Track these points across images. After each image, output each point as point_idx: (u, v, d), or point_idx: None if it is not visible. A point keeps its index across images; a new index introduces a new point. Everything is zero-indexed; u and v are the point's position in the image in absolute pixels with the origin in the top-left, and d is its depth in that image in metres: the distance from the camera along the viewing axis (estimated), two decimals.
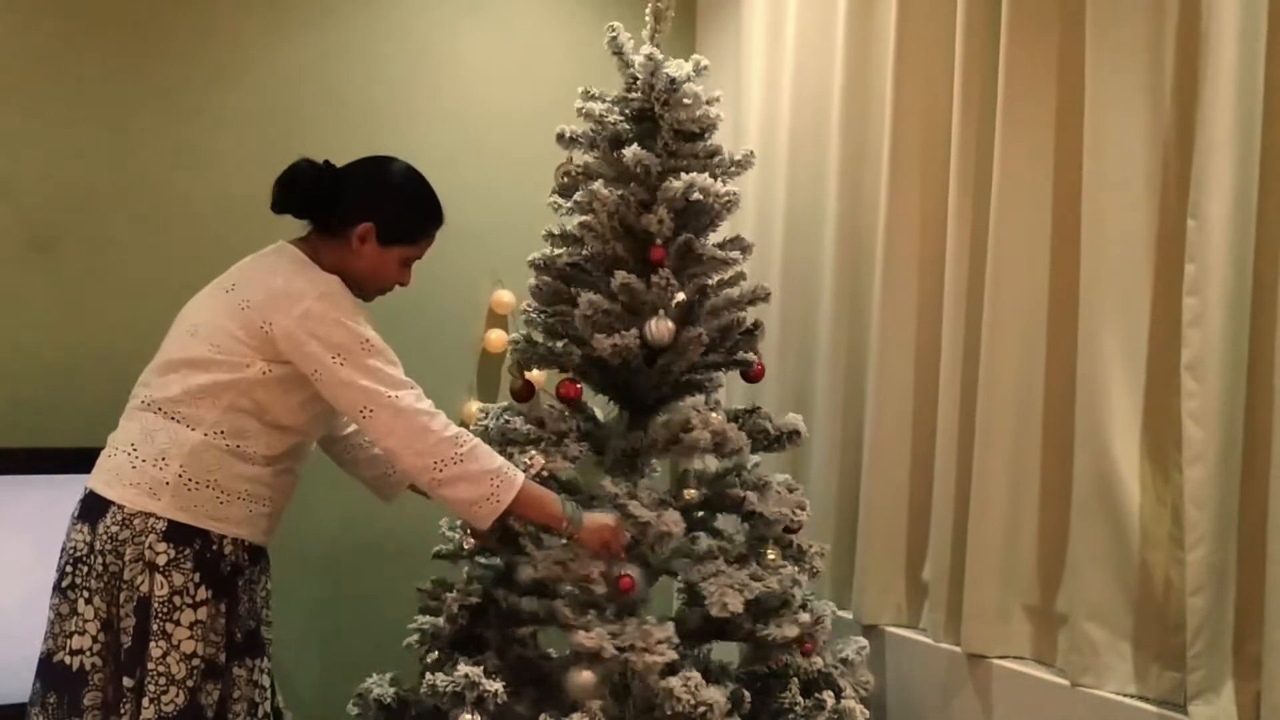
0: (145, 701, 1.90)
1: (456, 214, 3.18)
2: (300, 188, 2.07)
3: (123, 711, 1.92)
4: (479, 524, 2.03)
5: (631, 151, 2.29)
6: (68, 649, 1.95)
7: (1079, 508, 2.25)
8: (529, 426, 2.27)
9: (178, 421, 1.97)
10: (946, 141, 2.59)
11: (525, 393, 2.35)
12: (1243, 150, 2.00)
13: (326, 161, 2.12)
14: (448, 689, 2.07)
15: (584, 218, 2.31)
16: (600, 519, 2.13)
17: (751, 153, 2.47)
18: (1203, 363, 2.03)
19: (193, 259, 2.78)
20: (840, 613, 2.67)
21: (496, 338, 3.18)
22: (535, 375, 2.51)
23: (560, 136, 2.42)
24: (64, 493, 2.48)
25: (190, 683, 1.92)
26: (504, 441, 2.29)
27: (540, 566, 2.16)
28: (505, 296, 3.16)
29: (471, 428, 2.39)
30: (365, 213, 2.07)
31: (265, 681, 2.10)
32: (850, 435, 2.87)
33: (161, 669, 1.91)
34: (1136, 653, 2.19)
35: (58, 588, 1.98)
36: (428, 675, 2.13)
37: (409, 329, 3.02)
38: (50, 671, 1.96)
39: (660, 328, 2.27)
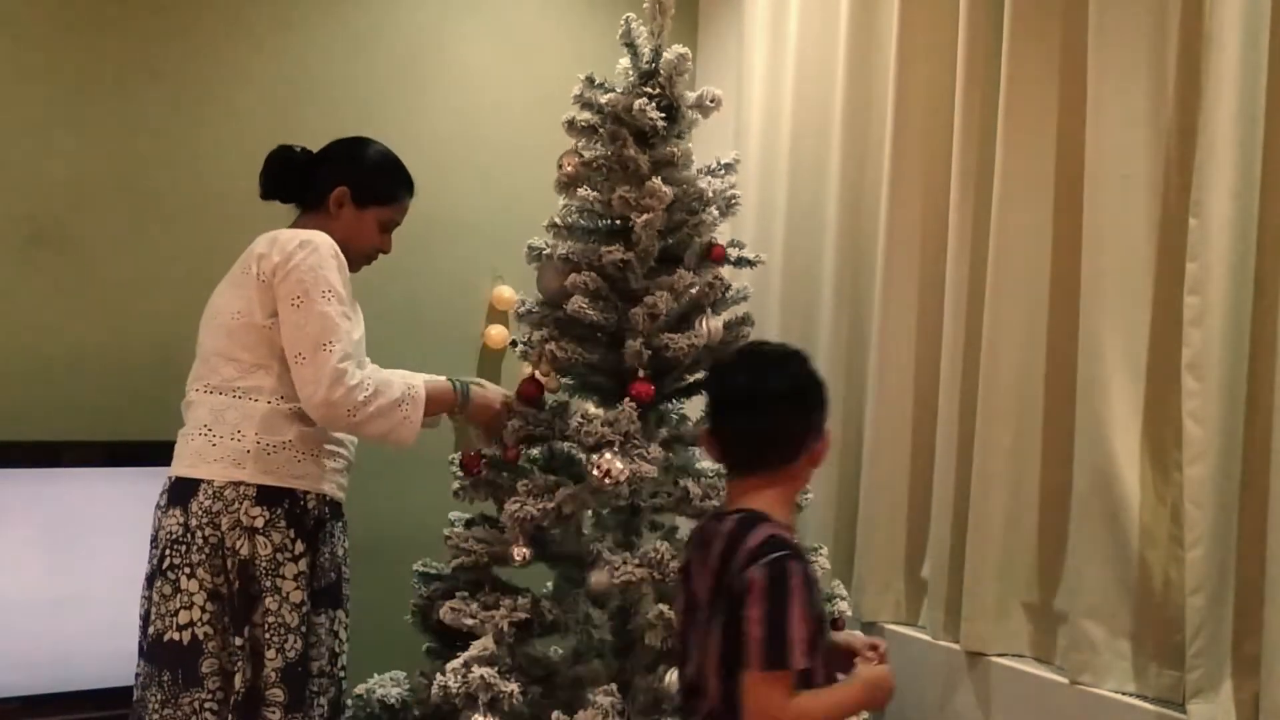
0: (270, 653, 2.04)
1: (456, 209, 3.20)
2: (278, 170, 2.24)
3: (236, 669, 2.03)
4: (401, 444, 2.16)
5: (682, 148, 2.29)
6: (174, 626, 2.04)
7: (1079, 506, 2.25)
8: (605, 428, 2.15)
9: (241, 397, 2.09)
10: (948, 140, 2.59)
11: (539, 392, 2.31)
12: (1245, 149, 2.00)
13: (304, 148, 2.27)
14: (461, 690, 2.05)
15: (645, 215, 2.22)
16: (487, 397, 2.30)
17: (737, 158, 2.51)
18: (1203, 362, 2.03)
19: (193, 255, 2.79)
20: (842, 602, 2.67)
21: (497, 333, 3.18)
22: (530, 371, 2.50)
23: (570, 125, 2.37)
24: (65, 488, 2.49)
25: (303, 629, 2.07)
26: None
27: (619, 574, 2.12)
28: (506, 292, 3.16)
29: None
30: (339, 178, 2.22)
31: (343, 634, 2.21)
32: (850, 435, 2.87)
33: (279, 620, 2.05)
34: (1135, 651, 2.19)
35: (159, 572, 2.08)
36: (439, 677, 2.09)
37: (409, 324, 3.03)
38: (161, 650, 2.06)
39: (714, 326, 2.27)
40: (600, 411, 2.18)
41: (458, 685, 2.05)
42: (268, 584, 2.05)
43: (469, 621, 2.16)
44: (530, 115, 3.22)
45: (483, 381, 2.37)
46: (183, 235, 2.80)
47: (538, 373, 2.30)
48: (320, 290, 2.06)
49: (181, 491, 2.09)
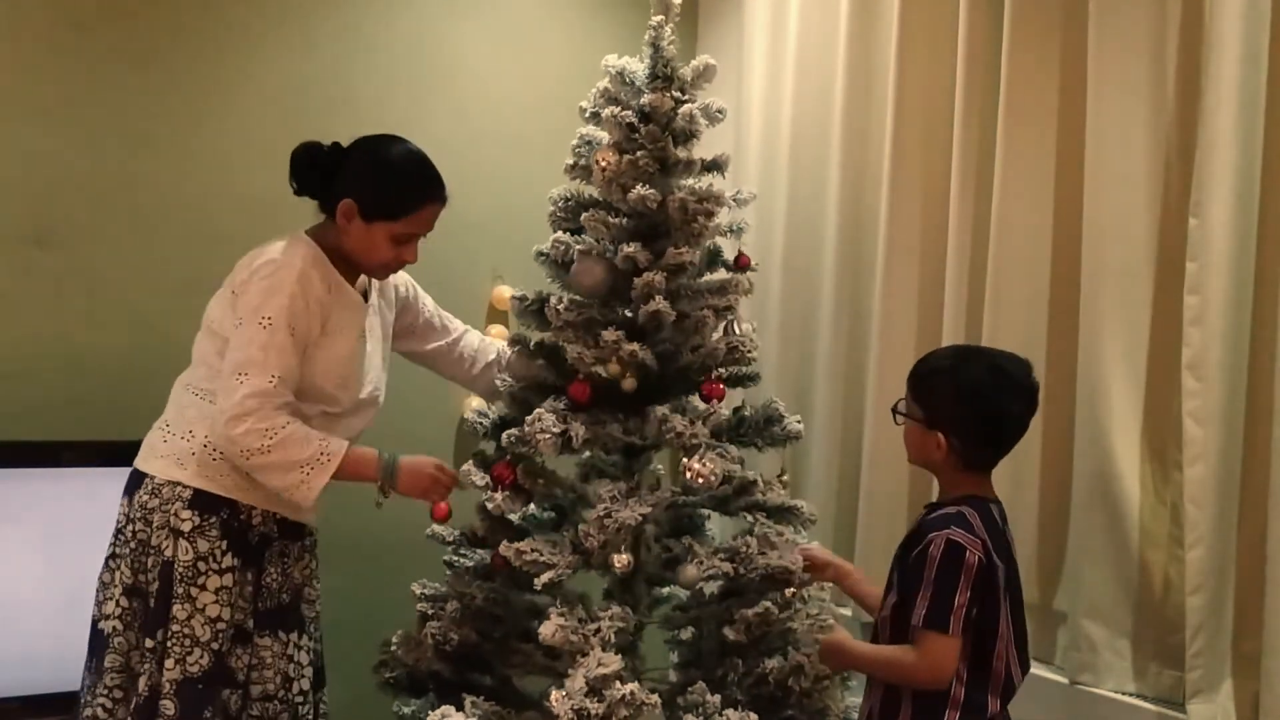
0: (170, 662, 1.99)
1: (456, 209, 3.15)
2: (302, 169, 2.15)
3: (141, 671, 2.01)
4: (296, 504, 2.05)
5: (714, 158, 2.30)
6: (102, 615, 2.07)
7: (1079, 506, 2.26)
8: (689, 427, 2.11)
9: (203, 398, 2.08)
10: (948, 140, 2.59)
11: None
12: (1245, 149, 2.00)
13: (335, 144, 2.17)
14: (601, 712, 1.91)
15: (705, 219, 2.19)
16: (415, 465, 2.15)
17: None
18: (1203, 362, 2.03)
19: (194, 255, 2.78)
20: (840, 610, 2.67)
21: (497, 333, 3.17)
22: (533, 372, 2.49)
23: (596, 117, 2.30)
24: (65, 487, 2.49)
25: (215, 645, 2.01)
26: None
27: (705, 567, 2.10)
28: (506, 292, 3.15)
29: (467, 415, 2.39)
30: (347, 189, 2.11)
31: (304, 659, 2.15)
32: (850, 435, 2.87)
33: (186, 630, 1.99)
34: (1135, 651, 2.19)
35: (105, 560, 2.12)
36: (563, 701, 1.95)
37: None
38: (92, 636, 2.10)
39: (745, 327, 2.28)
40: (679, 415, 2.13)
41: (598, 708, 1.91)
42: (180, 591, 1.99)
43: (574, 639, 2.00)
44: (530, 115, 3.22)
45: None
46: (183, 235, 2.79)
47: (605, 371, 2.17)
48: (260, 316, 2.00)
49: (132, 483, 2.11)
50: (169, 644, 1.99)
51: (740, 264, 2.36)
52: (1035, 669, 2.34)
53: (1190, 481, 2.04)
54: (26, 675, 2.41)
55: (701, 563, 2.12)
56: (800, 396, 2.99)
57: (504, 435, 2.24)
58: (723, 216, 2.31)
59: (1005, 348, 2.38)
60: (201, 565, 2.01)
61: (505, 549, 2.12)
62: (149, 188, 2.78)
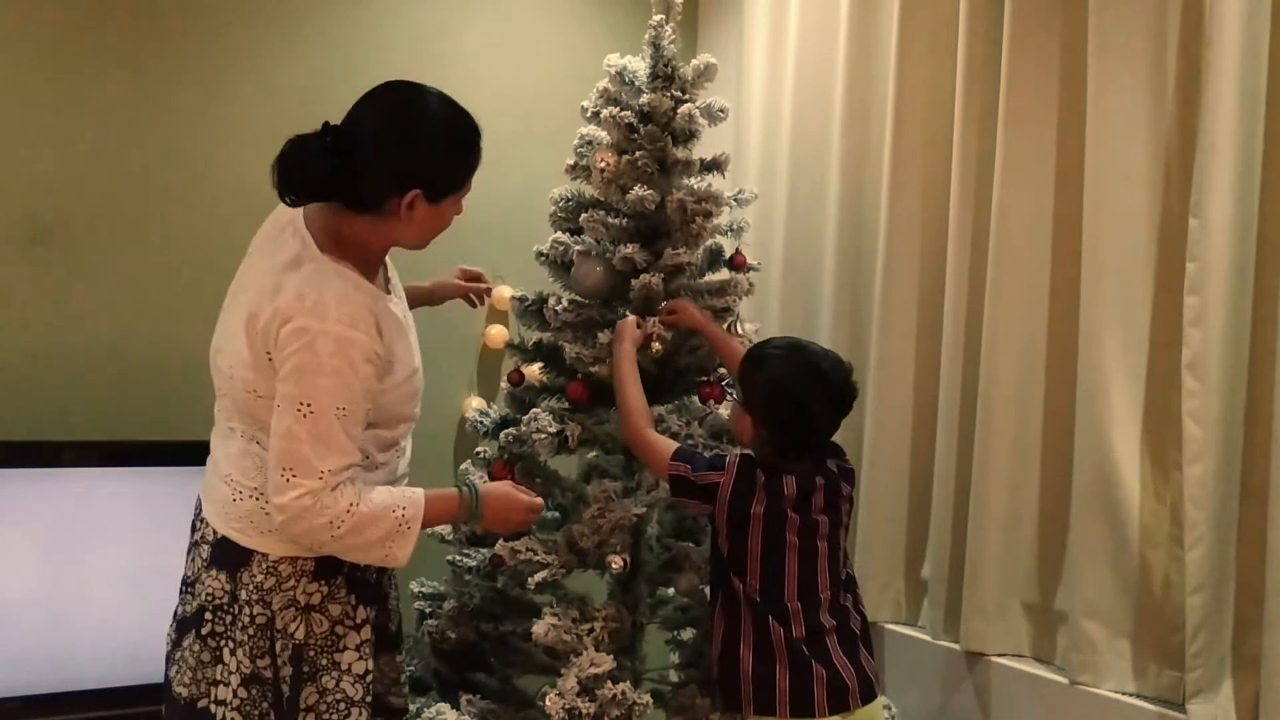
0: None
1: None
2: (309, 172, 1.78)
3: None
4: (393, 566, 1.88)
5: (713, 158, 2.32)
6: (213, 698, 1.85)
7: (1079, 506, 2.26)
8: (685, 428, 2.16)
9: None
10: (948, 141, 2.59)
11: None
12: (1245, 149, 2.00)
13: (326, 124, 1.84)
14: (592, 712, 1.95)
15: (704, 218, 2.21)
16: (500, 497, 1.96)
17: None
18: (1203, 362, 2.03)
19: (194, 255, 2.79)
20: None
21: (496, 333, 3.18)
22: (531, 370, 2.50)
23: (597, 117, 2.31)
24: (65, 488, 2.49)
25: (368, 699, 1.90)
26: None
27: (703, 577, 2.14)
28: (505, 291, 3.15)
29: (468, 415, 2.38)
30: (408, 181, 1.80)
31: (404, 665, 2.14)
32: (850, 435, 2.86)
33: (339, 695, 1.87)
34: (1135, 651, 2.19)
35: (198, 633, 1.86)
36: (555, 700, 1.99)
37: None
38: (194, 716, 1.86)
39: (746, 328, 2.31)
40: (676, 416, 2.17)
41: (590, 708, 1.94)
42: (324, 662, 1.86)
43: (567, 639, 2.03)
44: (531, 114, 3.21)
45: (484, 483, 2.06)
46: (183, 234, 2.79)
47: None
48: (297, 404, 1.72)
49: (228, 555, 1.84)
50: (326, 714, 1.86)
51: (736, 263, 2.36)
52: (1036, 669, 2.36)
53: (1190, 481, 2.04)
54: (26, 675, 2.41)
55: (700, 569, 2.14)
56: None
57: (502, 435, 2.25)
58: (723, 217, 2.31)
59: (1005, 348, 2.40)
60: (339, 630, 1.88)
61: (501, 548, 2.12)
62: (149, 186, 2.78)
